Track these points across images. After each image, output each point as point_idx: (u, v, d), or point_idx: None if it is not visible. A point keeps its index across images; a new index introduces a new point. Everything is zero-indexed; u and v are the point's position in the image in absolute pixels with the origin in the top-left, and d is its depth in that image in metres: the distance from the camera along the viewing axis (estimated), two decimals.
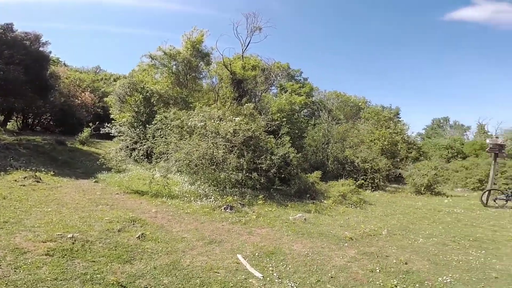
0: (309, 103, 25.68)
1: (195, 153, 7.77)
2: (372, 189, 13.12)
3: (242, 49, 18.80)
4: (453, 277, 3.99)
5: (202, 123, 8.77)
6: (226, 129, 8.59)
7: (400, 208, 9.25)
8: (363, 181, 11.64)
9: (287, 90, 23.51)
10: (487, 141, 9.74)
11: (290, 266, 4.00)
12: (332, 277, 3.77)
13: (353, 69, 61.69)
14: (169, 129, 9.17)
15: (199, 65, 18.10)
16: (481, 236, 6.07)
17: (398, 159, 21.24)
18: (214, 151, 8.08)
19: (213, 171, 8.16)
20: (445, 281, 3.85)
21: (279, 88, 25.31)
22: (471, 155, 23.40)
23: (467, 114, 69.30)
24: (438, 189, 13.22)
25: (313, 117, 23.18)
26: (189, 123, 8.99)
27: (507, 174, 16.66)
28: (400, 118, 43.66)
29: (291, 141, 10.81)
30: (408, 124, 45.49)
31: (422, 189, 12.50)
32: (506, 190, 9.89)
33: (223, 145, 8.34)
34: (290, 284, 3.48)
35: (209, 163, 8.07)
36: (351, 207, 8.86)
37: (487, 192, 9.55)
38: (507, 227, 6.80)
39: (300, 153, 11.09)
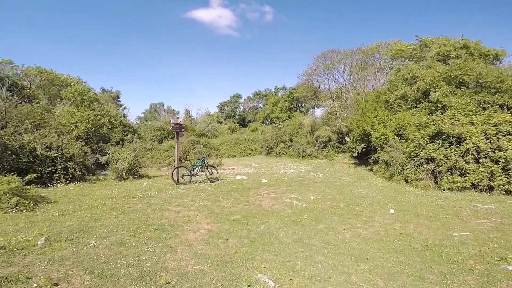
0: None
1: None
2: (67, 182, 10.62)
3: None
4: None
5: None
6: None
7: (90, 201, 7.61)
8: (34, 174, 8.59)
9: None
10: (171, 120, 10.54)
11: None
12: None
13: (79, 51, 53.47)
14: None
15: None
16: (164, 222, 5.82)
17: (114, 143, 19.94)
18: None
19: None
20: None
21: None
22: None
23: (178, 101, 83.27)
24: (141, 171, 13.22)
25: None
26: None
27: (196, 150, 20.64)
28: (120, 101, 42.98)
29: None
30: (128, 107, 45.38)
31: (124, 173, 11.76)
32: (190, 165, 11.36)
33: None
34: None
35: None
36: (11, 211, 6.10)
37: (175, 170, 10.38)
38: (188, 205, 7.25)
39: None
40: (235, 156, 24.85)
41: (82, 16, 56.95)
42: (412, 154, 10.83)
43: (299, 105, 37.61)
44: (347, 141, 22.93)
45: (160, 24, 63.37)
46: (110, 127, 22.07)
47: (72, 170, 10.92)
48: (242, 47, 68.01)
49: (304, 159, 20.21)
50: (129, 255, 4.14)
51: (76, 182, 10.80)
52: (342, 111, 25.39)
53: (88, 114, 16.69)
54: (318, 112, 33.60)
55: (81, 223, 5.62)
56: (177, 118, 10.34)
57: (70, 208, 6.80)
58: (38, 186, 9.93)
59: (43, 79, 24.60)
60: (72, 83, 25.56)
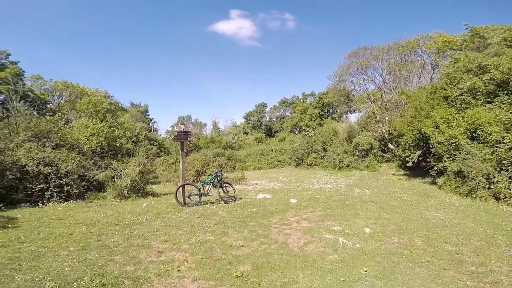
0: (3, 90, 17.93)
1: None
2: (62, 200, 9.07)
3: None
4: None
5: None
6: None
7: (59, 228, 5.84)
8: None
9: None
10: (175, 128, 8.51)
11: None
12: None
13: (104, 64, 56.50)
14: None
15: None
16: (126, 271, 3.64)
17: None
18: None
19: None
20: None
21: None
22: (204, 148, 25.75)
23: (205, 113, 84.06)
24: (149, 188, 11.39)
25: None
26: None
27: (216, 163, 18.58)
28: (149, 115, 43.21)
29: None
30: (157, 121, 45.78)
31: (126, 192, 9.94)
32: (200, 182, 9.14)
33: None
34: None
35: None
36: None
37: (181, 188, 8.26)
38: (181, 241, 4.97)
39: None
40: (261, 168, 22.52)
41: (110, 34, 59.87)
42: (504, 162, 7.68)
43: (331, 111, 34.61)
44: (391, 149, 19.63)
45: (185, 39, 64.75)
46: (134, 140, 21.02)
47: (68, 187, 9.35)
48: (265, 56, 66.95)
49: (341, 170, 17.24)
50: None
51: (71, 201, 9.18)
52: (383, 114, 22.07)
53: (101, 127, 15.47)
54: (353, 117, 30.35)
55: (3, 263, 3.66)
56: (182, 125, 8.29)
57: (21, 237, 5.05)
58: (28, 205, 8.54)
59: (70, 93, 24.77)
60: (99, 97, 25.49)
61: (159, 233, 5.43)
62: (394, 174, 15.46)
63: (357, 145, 18.10)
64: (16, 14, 46.78)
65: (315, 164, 19.32)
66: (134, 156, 17.82)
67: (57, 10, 50.87)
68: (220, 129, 38.05)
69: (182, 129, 8.38)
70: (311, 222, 5.93)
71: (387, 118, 21.15)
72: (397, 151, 16.10)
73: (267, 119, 40.88)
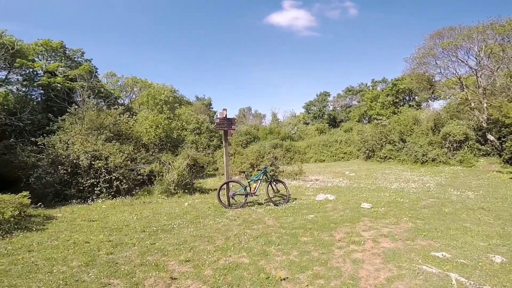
0: (78, 88, 19.23)
1: None
2: (111, 196, 8.75)
3: None
4: None
5: None
6: None
7: (83, 233, 5.21)
8: (26, 193, 6.37)
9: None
10: (217, 114, 7.29)
11: None
12: None
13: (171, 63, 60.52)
14: None
15: None
16: None
17: (201, 149, 18.90)
18: None
19: None
20: None
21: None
22: (262, 139, 24.87)
23: (264, 104, 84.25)
24: (197, 183, 10.62)
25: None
26: None
27: (270, 155, 17.02)
28: (212, 108, 44.41)
29: None
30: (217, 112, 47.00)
31: (173, 187, 9.27)
32: (247, 180, 7.72)
33: None
34: None
35: None
36: None
37: (225, 186, 7.03)
38: (205, 262, 3.66)
39: None
40: (323, 160, 20.31)
41: (177, 34, 63.56)
42: None
43: (407, 98, 29.85)
44: (491, 140, 15.31)
45: (243, 33, 65.05)
46: (198, 132, 21.16)
47: (118, 182, 9.06)
48: (325, 46, 62.80)
49: (425, 165, 13.98)
50: None
51: (120, 197, 8.82)
52: (481, 100, 17.43)
53: (159, 118, 15.55)
54: (436, 105, 25.58)
55: None
56: (224, 111, 7.04)
57: (33, 244, 4.51)
58: (78, 201, 8.50)
59: (140, 88, 26.36)
60: (165, 91, 26.50)
61: (184, 247, 4.22)
62: (500, 171, 11.70)
63: (447, 135, 14.48)
64: (92, 15, 53.19)
65: (390, 157, 16.27)
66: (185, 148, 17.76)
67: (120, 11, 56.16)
68: (279, 120, 36.71)
69: (224, 116, 7.14)
70: (395, 240, 3.99)
71: (485, 104, 16.65)
72: (504, 142, 12.20)
73: (330, 109, 37.75)
